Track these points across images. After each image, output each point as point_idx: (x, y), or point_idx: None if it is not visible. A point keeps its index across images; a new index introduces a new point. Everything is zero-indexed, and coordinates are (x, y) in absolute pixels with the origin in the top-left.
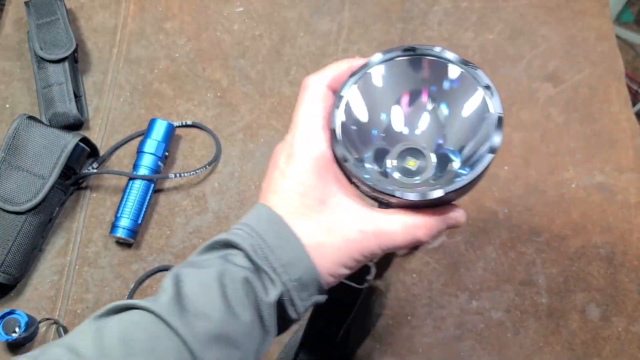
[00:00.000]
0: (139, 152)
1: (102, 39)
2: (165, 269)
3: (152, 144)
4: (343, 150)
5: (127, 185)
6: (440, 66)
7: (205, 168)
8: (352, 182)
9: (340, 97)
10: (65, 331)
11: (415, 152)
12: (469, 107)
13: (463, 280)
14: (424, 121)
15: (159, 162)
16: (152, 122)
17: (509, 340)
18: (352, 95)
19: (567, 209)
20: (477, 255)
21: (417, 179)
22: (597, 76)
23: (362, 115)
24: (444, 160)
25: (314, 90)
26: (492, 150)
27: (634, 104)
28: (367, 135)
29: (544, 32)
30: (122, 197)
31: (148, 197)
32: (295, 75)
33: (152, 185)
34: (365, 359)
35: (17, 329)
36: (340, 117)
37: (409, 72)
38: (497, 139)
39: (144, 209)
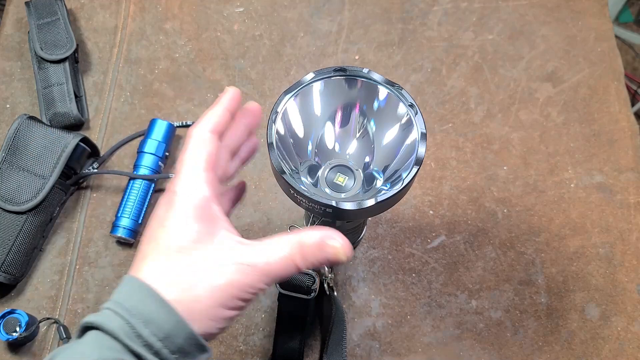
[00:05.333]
0: (140, 152)
1: (103, 39)
2: None
3: (152, 144)
4: (280, 163)
5: (127, 185)
6: (371, 87)
7: None
8: (289, 194)
9: (276, 113)
10: (66, 330)
11: (345, 169)
12: (394, 126)
13: (462, 279)
14: (354, 140)
15: (160, 162)
16: (152, 122)
17: (509, 339)
18: (290, 110)
19: (566, 209)
20: (476, 255)
21: (345, 194)
22: (597, 76)
23: (299, 129)
24: (369, 178)
25: (196, 137)
26: (418, 161)
27: (633, 104)
28: (302, 149)
29: (543, 32)
30: (123, 197)
31: (148, 197)
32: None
33: (153, 185)
34: (364, 359)
35: (17, 329)
36: (275, 130)
37: (343, 91)
38: (421, 150)
39: (144, 209)
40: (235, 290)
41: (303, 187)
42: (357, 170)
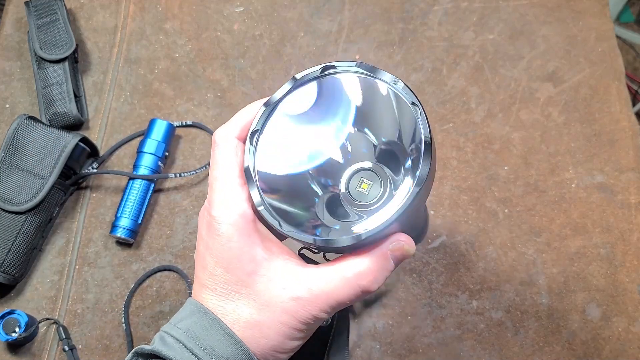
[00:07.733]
0: (139, 152)
1: (102, 39)
2: (165, 269)
3: (152, 144)
4: (256, 195)
5: (127, 185)
6: (368, 81)
7: (205, 168)
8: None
9: (254, 132)
10: (66, 331)
11: (365, 172)
12: (395, 115)
13: (463, 280)
14: (355, 139)
15: (159, 162)
16: (152, 122)
17: (509, 340)
18: (271, 129)
19: (567, 209)
20: (477, 255)
21: (375, 201)
22: (597, 76)
23: (291, 155)
24: (393, 165)
25: (224, 146)
26: (419, 182)
27: (634, 104)
28: (302, 180)
29: (544, 32)
30: (122, 197)
31: (148, 197)
32: None
33: (152, 185)
34: (365, 359)
35: (17, 329)
36: (253, 157)
37: (334, 91)
38: (423, 170)
39: (144, 209)
40: (296, 322)
41: (275, 222)
42: (375, 166)
